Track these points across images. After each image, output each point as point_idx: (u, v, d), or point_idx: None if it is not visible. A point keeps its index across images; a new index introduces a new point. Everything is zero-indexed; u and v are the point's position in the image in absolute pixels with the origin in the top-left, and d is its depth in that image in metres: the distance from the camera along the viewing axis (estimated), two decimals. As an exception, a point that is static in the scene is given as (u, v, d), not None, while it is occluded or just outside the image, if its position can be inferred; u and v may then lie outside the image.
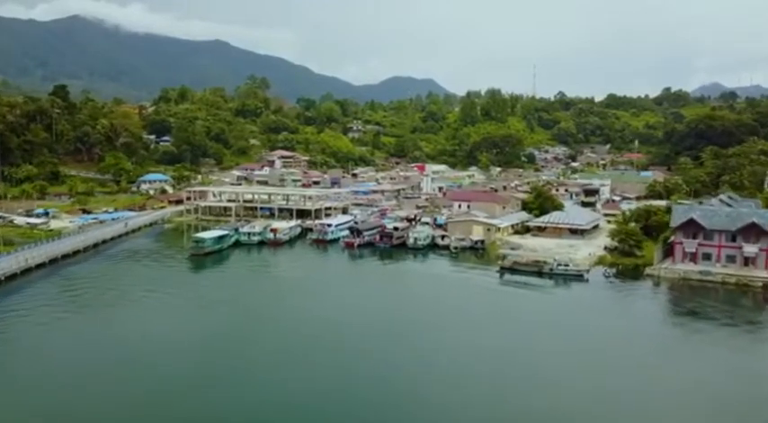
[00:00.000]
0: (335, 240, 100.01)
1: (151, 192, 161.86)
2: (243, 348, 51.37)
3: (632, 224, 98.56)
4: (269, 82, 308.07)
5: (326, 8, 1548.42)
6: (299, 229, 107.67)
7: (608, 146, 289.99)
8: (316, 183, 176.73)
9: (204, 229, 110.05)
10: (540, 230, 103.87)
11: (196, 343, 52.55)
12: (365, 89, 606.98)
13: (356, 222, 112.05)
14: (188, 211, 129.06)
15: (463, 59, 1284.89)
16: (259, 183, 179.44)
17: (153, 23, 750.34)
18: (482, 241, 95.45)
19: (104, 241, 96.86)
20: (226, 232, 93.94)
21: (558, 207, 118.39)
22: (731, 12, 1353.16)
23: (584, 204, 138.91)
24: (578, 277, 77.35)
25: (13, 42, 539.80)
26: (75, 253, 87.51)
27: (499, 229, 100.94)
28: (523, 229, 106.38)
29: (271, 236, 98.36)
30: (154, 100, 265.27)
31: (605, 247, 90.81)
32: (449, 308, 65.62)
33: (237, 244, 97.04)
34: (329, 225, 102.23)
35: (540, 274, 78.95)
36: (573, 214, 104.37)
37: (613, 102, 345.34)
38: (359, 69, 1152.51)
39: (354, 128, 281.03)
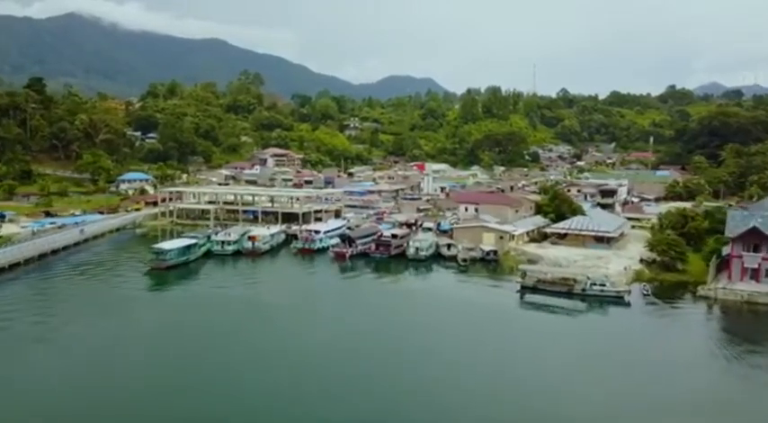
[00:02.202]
0: (324, 249, 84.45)
1: (130, 192, 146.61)
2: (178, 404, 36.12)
3: (668, 231, 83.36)
4: (263, 78, 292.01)
5: (326, 8, 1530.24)
6: (283, 236, 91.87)
7: (613, 144, 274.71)
8: (308, 182, 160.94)
9: (180, 234, 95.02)
10: (560, 238, 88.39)
11: (117, 401, 37.23)
12: (363, 88, 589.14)
13: (350, 227, 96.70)
14: (163, 213, 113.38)
15: (462, 59, 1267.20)
16: (248, 182, 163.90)
17: (150, 22, 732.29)
18: (495, 252, 79.84)
19: (55, 251, 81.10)
20: (194, 241, 78.15)
21: (577, 210, 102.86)
22: (731, 12, 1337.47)
23: (601, 206, 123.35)
24: (618, 299, 61.95)
25: (8, 40, 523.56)
26: (14, 266, 71.85)
27: (513, 236, 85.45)
28: (540, 237, 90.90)
29: (248, 245, 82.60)
30: (142, 95, 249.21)
31: (641, 260, 75.37)
32: (458, 340, 50.60)
33: (210, 254, 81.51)
34: (317, 232, 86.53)
35: (569, 294, 63.47)
36: (598, 219, 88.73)
37: (617, 99, 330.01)
38: (358, 69, 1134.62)
39: (351, 125, 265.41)
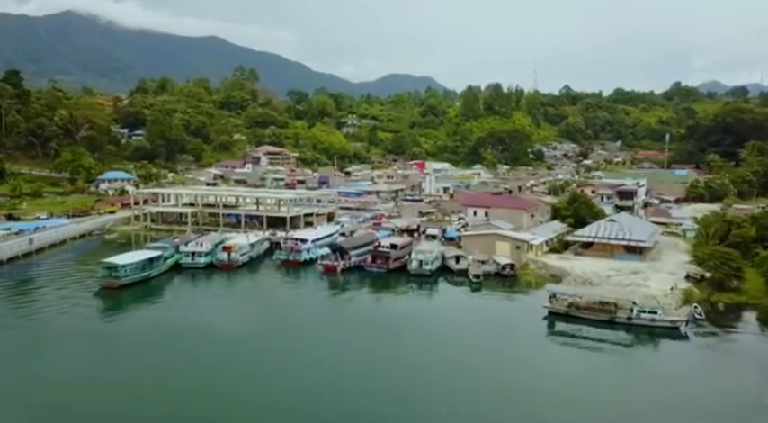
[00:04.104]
0: (312, 261, 71.26)
1: (110, 192, 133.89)
2: None
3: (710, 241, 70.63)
4: (258, 73, 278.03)
5: (325, 7, 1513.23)
6: (266, 245, 78.73)
7: (619, 142, 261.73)
8: (301, 182, 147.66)
9: (153, 240, 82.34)
10: (584, 248, 75.32)
11: None
12: (362, 86, 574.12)
13: (343, 234, 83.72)
14: (137, 217, 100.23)
15: (462, 59, 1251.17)
16: (237, 182, 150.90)
17: (148, 20, 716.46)
18: (512, 265, 66.76)
19: (-3, 264, 68.23)
20: (157, 253, 65.00)
21: (598, 214, 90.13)
22: (730, 12, 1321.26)
23: (619, 209, 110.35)
24: (672, 329, 49.01)
25: (3, 38, 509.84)
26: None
27: (531, 246, 72.43)
28: (561, 246, 77.80)
29: (223, 257, 69.41)
30: (131, 91, 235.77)
31: (687, 276, 62.37)
32: (473, 383, 38.12)
33: (178, 268, 68.38)
34: (303, 240, 73.23)
35: (611, 323, 50.52)
36: (628, 225, 75.48)
37: (621, 97, 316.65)
38: (357, 68, 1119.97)
39: (349, 122, 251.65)
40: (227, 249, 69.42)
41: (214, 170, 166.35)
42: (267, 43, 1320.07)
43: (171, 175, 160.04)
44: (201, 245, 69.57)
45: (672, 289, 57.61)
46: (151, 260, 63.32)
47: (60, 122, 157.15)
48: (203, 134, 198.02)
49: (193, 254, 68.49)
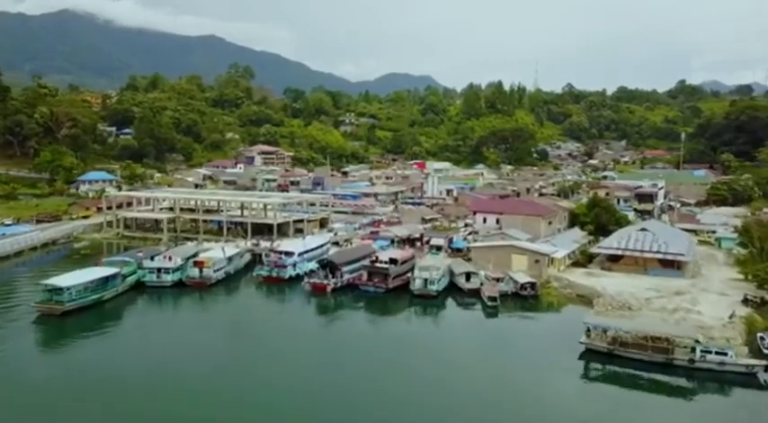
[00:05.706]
0: (299, 277, 60.35)
1: (90, 194, 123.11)
2: None
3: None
4: (253, 71, 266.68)
5: (324, 6, 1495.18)
6: (247, 257, 67.80)
7: (624, 141, 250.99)
8: (294, 184, 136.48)
9: (127, 249, 72.01)
10: (612, 261, 64.50)
11: None
12: (361, 85, 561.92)
13: (337, 243, 72.99)
14: (109, 223, 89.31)
15: (461, 59, 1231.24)
16: (226, 183, 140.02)
17: (146, 18, 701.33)
18: (532, 284, 55.91)
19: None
20: (114, 270, 53.98)
21: (621, 221, 79.47)
22: (730, 12, 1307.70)
23: (638, 213, 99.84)
24: (746, 376, 38.24)
25: (1, 36, 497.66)
26: None
27: (553, 259, 61.62)
28: (585, 259, 66.90)
29: (195, 273, 58.47)
30: (121, 88, 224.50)
31: (745, 299, 51.57)
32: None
33: (142, 287, 57.50)
34: (289, 254, 62.22)
35: (668, 365, 39.71)
36: (662, 235, 64.62)
37: (624, 95, 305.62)
38: (356, 67, 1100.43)
39: (347, 121, 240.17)
40: (199, 265, 58.47)
41: (203, 170, 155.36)
42: (266, 42, 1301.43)
43: (158, 175, 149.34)
44: (170, 259, 58.51)
45: (731, 317, 46.81)
46: (106, 279, 52.44)
47: (41, 120, 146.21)
48: (194, 132, 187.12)
49: (159, 270, 57.46)
